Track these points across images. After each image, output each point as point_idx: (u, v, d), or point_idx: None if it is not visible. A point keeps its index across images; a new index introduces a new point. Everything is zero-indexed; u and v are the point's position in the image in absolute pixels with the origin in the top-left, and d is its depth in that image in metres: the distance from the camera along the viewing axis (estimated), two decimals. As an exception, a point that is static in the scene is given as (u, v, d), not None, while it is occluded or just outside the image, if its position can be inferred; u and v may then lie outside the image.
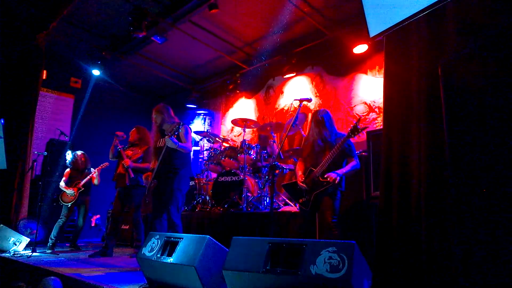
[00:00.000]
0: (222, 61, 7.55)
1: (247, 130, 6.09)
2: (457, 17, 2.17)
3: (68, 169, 5.51)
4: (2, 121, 4.35)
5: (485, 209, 1.81)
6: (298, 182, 3.37)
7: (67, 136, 6.95)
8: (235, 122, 6.06)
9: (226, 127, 8.41)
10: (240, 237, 2.29)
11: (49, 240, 5.13)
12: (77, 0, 5.34)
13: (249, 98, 7.97)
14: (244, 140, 5.50)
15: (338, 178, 3.10)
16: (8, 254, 4.41)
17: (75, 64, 7.50)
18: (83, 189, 5.34)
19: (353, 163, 3.26)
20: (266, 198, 5.16)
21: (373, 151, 3.63)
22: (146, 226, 4.93)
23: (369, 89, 5.82)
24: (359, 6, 2.61)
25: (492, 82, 1.91)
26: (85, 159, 5.59)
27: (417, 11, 2.21)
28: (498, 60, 1.89)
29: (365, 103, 5.85)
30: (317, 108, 6.43)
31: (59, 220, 5.28)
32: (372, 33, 2.56)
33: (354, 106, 6.00)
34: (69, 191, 5.28)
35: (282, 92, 7.33)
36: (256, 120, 7.45)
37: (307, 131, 3.72)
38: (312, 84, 6.78)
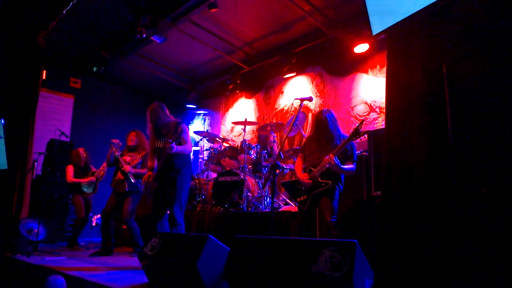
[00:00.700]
0: (222, 61, 7.54)
1: (247, 130, 6.08)
2: (459, 16, 2.17)
3: (69, 165, 5.52)
4: (3, 121, 4.34)
5: (488, 209, 1.81)
6: (301, 178, 3.32)
7: (67, 136, 6.95)
8: (236, 123, 6.02)
9: (226, 127, 8.40)
10: (242, 236, 2.29)
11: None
12: (77, 0, 5.34)
13: (249, 98, 7.96)
14: (244, 140, 5.50)
15: (335, 160, 3.07)
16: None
17: (75, 64, 7.49)
18: (101, 179, 5.36)
19: (351, 166, 3.23)
20: (267, 198, 5.17)
21: (374, 151, 3.63)
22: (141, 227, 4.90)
23: (370, 89, 5.81)
24: (360, 5, 2.61)
25: (492, 82, 1.91)
26: (87, 155, 5.65)
27: (420, 8, 2.20)
28: (498, 60, 1.89)
29: (366, 103, 5.84)
30: (318, 108, 6.43)
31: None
32: (375, 31, 2.56)
33: (355, 106, 5.99)
34: (88, 182, 5.31)
35: (282, 92, 7.32)
36: (256, 120, 7.46)
37: (308, 131, 3.71)
38: (313, 84, 6.78)
